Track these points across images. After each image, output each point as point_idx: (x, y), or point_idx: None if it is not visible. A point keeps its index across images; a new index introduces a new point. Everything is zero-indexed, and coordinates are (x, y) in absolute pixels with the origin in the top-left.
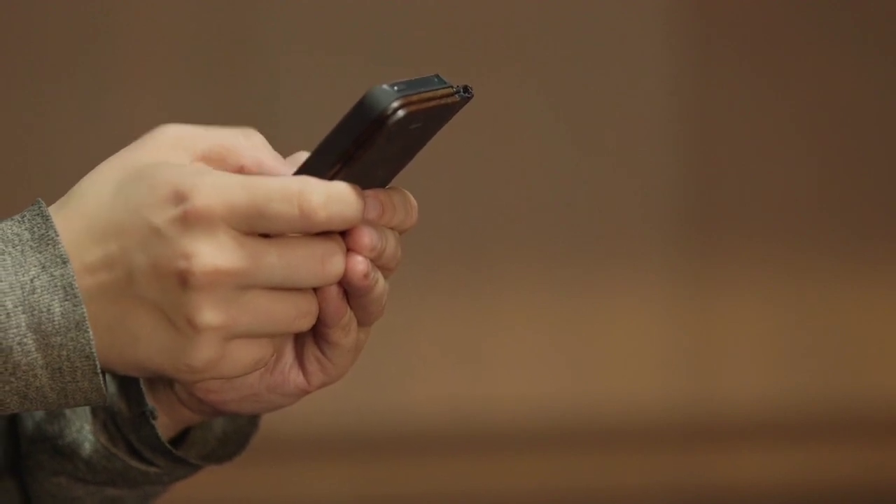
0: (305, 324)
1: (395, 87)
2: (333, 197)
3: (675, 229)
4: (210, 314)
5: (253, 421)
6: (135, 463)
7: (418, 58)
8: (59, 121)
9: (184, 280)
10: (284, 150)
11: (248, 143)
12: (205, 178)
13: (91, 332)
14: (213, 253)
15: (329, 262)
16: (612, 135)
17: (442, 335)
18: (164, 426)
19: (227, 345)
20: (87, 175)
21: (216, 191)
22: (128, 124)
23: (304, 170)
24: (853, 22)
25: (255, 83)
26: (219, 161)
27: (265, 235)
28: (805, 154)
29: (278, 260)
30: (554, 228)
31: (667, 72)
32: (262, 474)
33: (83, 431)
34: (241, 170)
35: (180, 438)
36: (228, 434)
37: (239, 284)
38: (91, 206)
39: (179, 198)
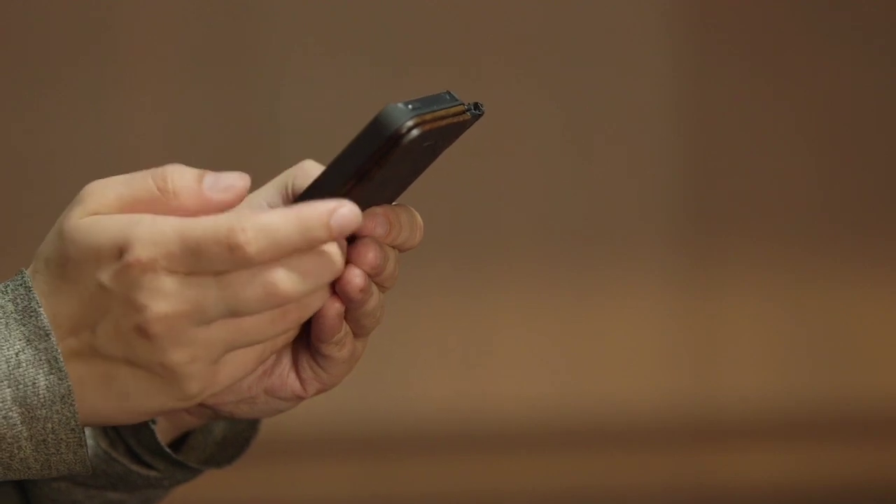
0: (289, 322)
1: (410, 106)
2: (264, 230)
3: (675, 229)
4: (178, 355)
5: (253, 425)
6: (135, 467)
7: (419, 60)
8: (59, 121)
9: (142, 332)
10: (285, 151)
11: (165, 195)
12: (140, 227)
13: (76, 405)
14: (160, 301)
15: (271, 287)
16: (612, 135)
17: (442, 335)
18: (164, 430)
19: (213, 366)
20: (42, 243)
21: (152, 239)
22: (128, 124)
23: (316, 186)
24: (853, 22)
25: (256, 84)
26: (147, 212)
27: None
28: (805, 154)
29: (219, 294)
30: (554, 228)
31: (667, 72)
32: (261, 474)
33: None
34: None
35: (180, 442)
36: (228, 438)
37: (193, 322)
38: (48, 275)
39: (120, 251)
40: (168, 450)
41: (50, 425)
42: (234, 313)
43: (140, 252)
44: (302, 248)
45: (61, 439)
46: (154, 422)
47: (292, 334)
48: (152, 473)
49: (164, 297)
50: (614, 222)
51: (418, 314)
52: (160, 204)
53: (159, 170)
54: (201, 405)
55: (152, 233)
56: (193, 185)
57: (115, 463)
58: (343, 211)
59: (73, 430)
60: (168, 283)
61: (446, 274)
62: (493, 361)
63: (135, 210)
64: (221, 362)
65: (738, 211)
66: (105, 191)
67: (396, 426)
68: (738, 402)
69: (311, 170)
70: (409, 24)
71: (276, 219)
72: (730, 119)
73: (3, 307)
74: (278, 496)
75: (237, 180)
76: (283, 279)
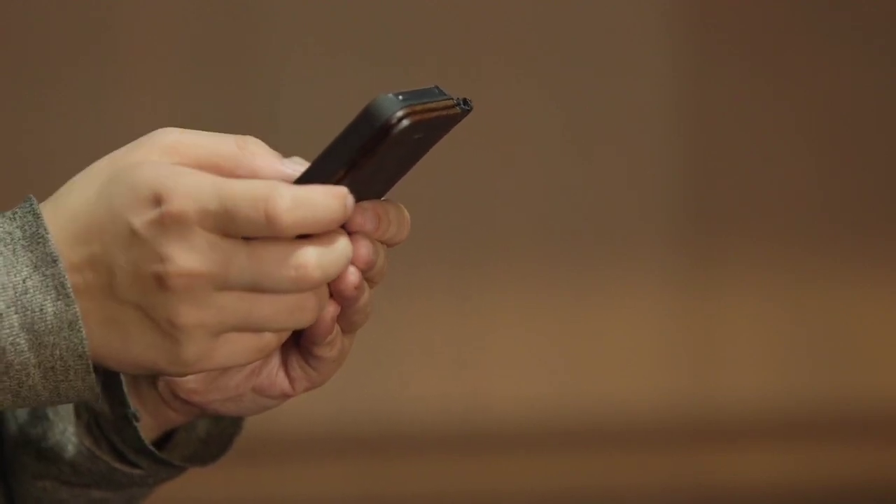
0: (305, 319)
1: (400, 97)
2: (300, 201)
3: (674, 229)
4: (188, 314)
5: (236, 422)
6: (119, 465)
7: (420, 60)
8: (59, 121)
9: (161, 282)
10: (285, 151)
11: (244, 152)
12: (181, 179)
13: (84, 332)
14: (186, 256)
15: (301, 268)
16: (612, 135)
17: (441, 335)
18: (148, 428)
19: (216, 339)
20: (79, 174)
21: (190, 194)
22: (128, 124)
23: (306, 178)
24: (853, 22)
25: (256, 84)
26: (214, 171)
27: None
28: (805, 154)
29: (247, 263)
30: (553, 228)
31: (667, 72)
32: (255, 474)
33: (67, 434)
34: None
35: (164, 440)
36: (212, 435)
37: (213, 285)
38: (75, 205)
39: (157, 200)
40: (152, 448)
41: (58, 352)
42: (257, 286)
43: (176, 204)
44: (326, 227)
45: (69, 366)
46: (138, 419)
47: (284, 336)
48: (136, 471)
49: (191, 253)
50: (614, 222)
51: (417, 314)
52: (236, 160)
53: (241, 136)
54: (187, 402)
55: (191, 186)
56: (273, 156)
57: (98, 461)
58: (350, 198)
59: (80, 356)
60: (199, 240)
61: (445, 273)
62: (491, 361)
63: (208, 162)
64: (223, 340)
65: (738, 211)
66: (184, 138)
67: (393, 426)
68: (737, 402)
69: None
70: (409, 24)
71: (311, 192)
72: (730, 119)
73: (10, 234)
74: (273, 496)
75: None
76: (313, 261)
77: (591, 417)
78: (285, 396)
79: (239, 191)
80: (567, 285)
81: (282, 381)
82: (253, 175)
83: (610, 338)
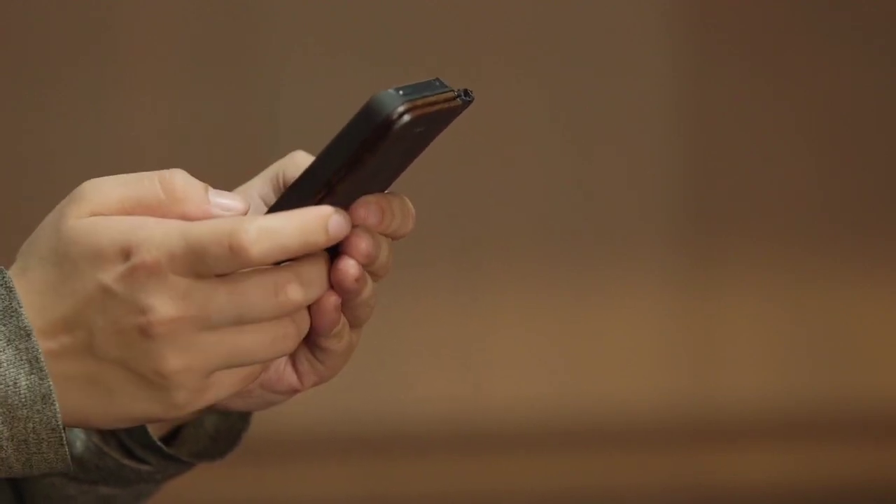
0: (286, 347)
1: (400, 92)
2: (266, 232)
3: (674, 229)
4: (175, 361)
5: (244, 418)
6: (126, 461)
7: (420, 60)
8: (59, 121)
9: (145, 333)
10: (285, 151)
11: (170, 197)
12: (146, 231)
13: (57, 405)
14: (167, 303)
15: (282, 293)
16: (612, 135)
17: (441, 335)
18: (156, 424)
19: (205, 379)
20: (30, 240)
21: (158, 242)
22: (128, 124)
23: (307, 175)
24: (853, 22)
25: (256, 84)
26: (148, 214)
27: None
28: (805, 154)
29: (228, 298)
30: (553, 228)
31: (667, 72)
32: (260, 475)
33: (75, 430)
34: None
35: (172, 436)
36: (220, 431)
37: (196, 327)
38: (39, 274)
39: (125, 254)
40: (160, 444)
41: (31, 425)
42: (241, 319)
43: (146, 255)
44: (300, 253)
45: (42, 439)
46: None
47: (269, 363)
48: (144, 467)
49: (170, 300)
50: (614, 222)
51: (417, 314)
52: (163, 208)
53: (166, 173)
54: None
55: (156, 235)
56: (201, 195)
57: (106, 457)
58: (338, 217)
59: (53, 429)
60: (175, 285)
61: (445, 273)
62: (491, 361)
63: (135, 212)
64: (211, 378)
65: (738, 211)
66: (106, 190)
67: (394, 426)
68: (736, 402)
69: (301, 161)
70: (409, 24)
71: (278, 221)
72: (730, 119)
73: None
74: (277, 497)
75: (238, 204)
76: (293, 285)
77: (591, 417)
78: (294, 391)
79: (204, 231)
80: (567, 285)
81: (290, 375)
82: (182, 219)
83: (610, 338)
